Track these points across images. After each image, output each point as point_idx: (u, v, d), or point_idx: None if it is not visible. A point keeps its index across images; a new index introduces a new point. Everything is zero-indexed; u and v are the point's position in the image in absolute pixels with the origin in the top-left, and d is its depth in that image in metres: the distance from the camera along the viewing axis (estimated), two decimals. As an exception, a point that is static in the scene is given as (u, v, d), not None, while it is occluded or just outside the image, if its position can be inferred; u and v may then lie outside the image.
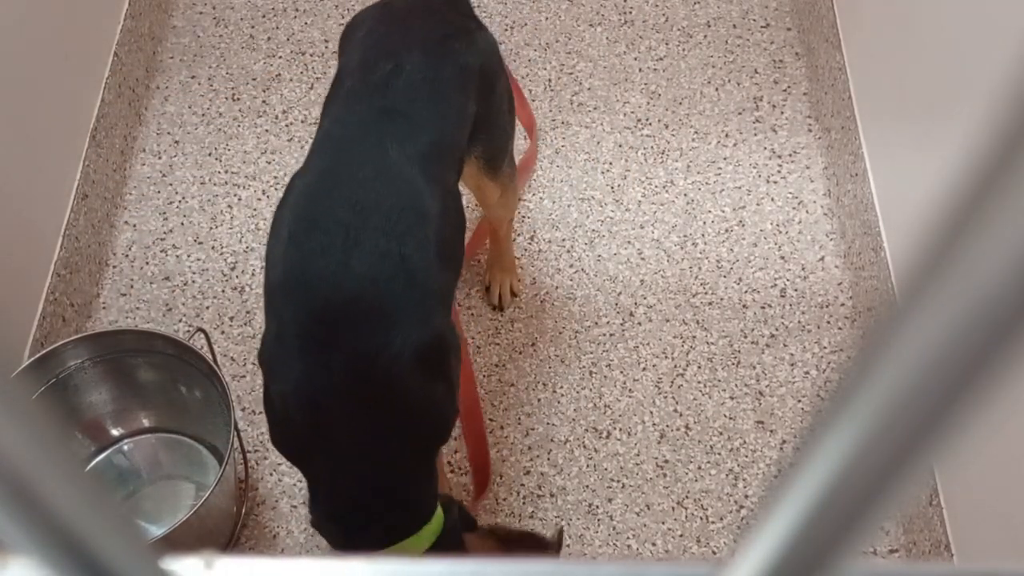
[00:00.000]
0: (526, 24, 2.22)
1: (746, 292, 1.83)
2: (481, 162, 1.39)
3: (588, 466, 1.66)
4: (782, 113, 2.07)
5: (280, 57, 2.17)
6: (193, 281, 1.86)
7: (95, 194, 1.87)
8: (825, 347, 1.78)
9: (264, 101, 2.10)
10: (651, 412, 1.71)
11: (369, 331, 1.10)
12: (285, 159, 2.02)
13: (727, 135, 2.04)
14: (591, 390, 1.73)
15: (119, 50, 2.02)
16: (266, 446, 1.68)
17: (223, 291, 1.85)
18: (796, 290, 1.84)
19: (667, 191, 1.96)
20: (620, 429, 1.69)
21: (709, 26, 2.20)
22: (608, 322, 1.80)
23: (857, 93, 1.87)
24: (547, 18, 2.23)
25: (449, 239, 1.20)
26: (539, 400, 1.73)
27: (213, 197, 1.97)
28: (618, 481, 1.65)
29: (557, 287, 1.85)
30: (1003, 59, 1.30)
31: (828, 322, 1.80)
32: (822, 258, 1.87)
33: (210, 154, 2.03)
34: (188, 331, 1.75)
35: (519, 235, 1.91)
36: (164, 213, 1.95)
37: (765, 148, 2.02)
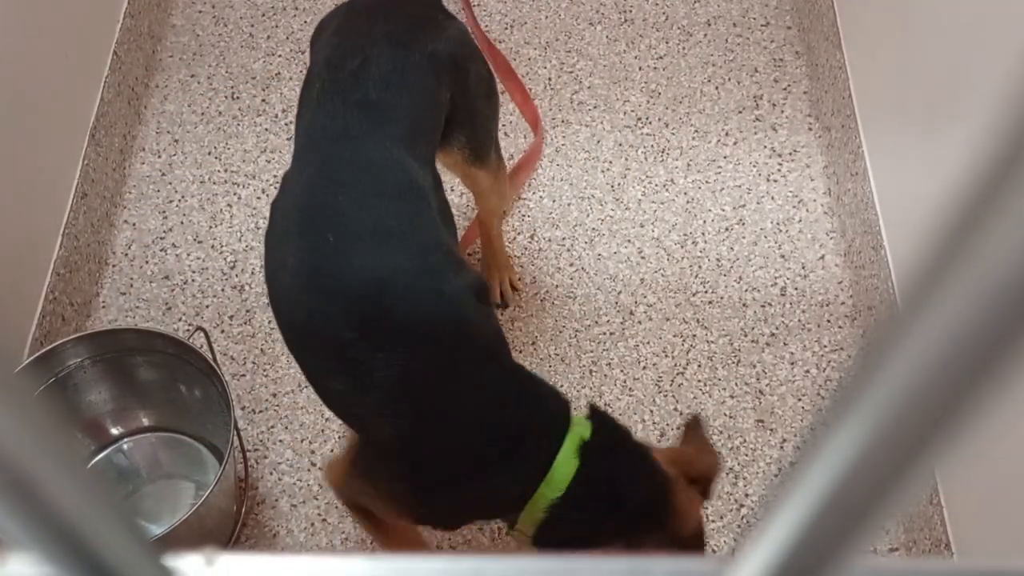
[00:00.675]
0: (526, 23, 2.22)
1: (746, 291, 1.83)
2: (466, 151, 1.40)
3: (588, 465, 1.66)
4: (782, 112, 2.07)
5: (279, 56, 2.17)
6: (193, 280, 1.86)
7: (94, 193, 1.87)
8: (825, 346, 1.78)
9: (264, 100, 2.10)
10: (651, 411, 1.71)
11: (414, 299, 1.11)
12: (285, 158, 2.02)
13: (727, 134, 2.04)
14: (591, 389, 1.73)
15: (118, 49, 2.01)
16: (266, 445, 1.68)
17: (223, 290, 1.85)
18: (796, 289, 1.84)
19: (667, 190, 1.96)
20: (620, 428, 1.69)
21: (709, 24, 2.20)
22: (608, 321, 1.80)
23: (857, 92, 1.87)
24: (547, 16, 2.22)
25: (446, 208, 1.27)
26: (539, 399, 1.73)
27: (213, 196, 1.97)
28: (618, 480, 1.65)
29: (557, 286, 1.85)
30: (1003, 57, 1.30)
31: (828, 321, 1.80)
32: (822, 257, 1.87)
33: (210, 153, 2.03)
34: (188, 330, 1.75)
35: (519, 234, 1.91)
36: (164, 212, 1.95)
37: (765, 147, 2.02)
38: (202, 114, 2.09)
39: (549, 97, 2.10)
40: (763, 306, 1.81)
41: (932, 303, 0.17)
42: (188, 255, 1.89)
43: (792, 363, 1.76)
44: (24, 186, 1.67)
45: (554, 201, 1.95)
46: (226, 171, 2.00)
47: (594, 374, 1.75)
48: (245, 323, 1.81)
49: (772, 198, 1.95)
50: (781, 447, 1.67)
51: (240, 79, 2.14)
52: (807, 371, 1.75)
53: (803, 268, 1.86)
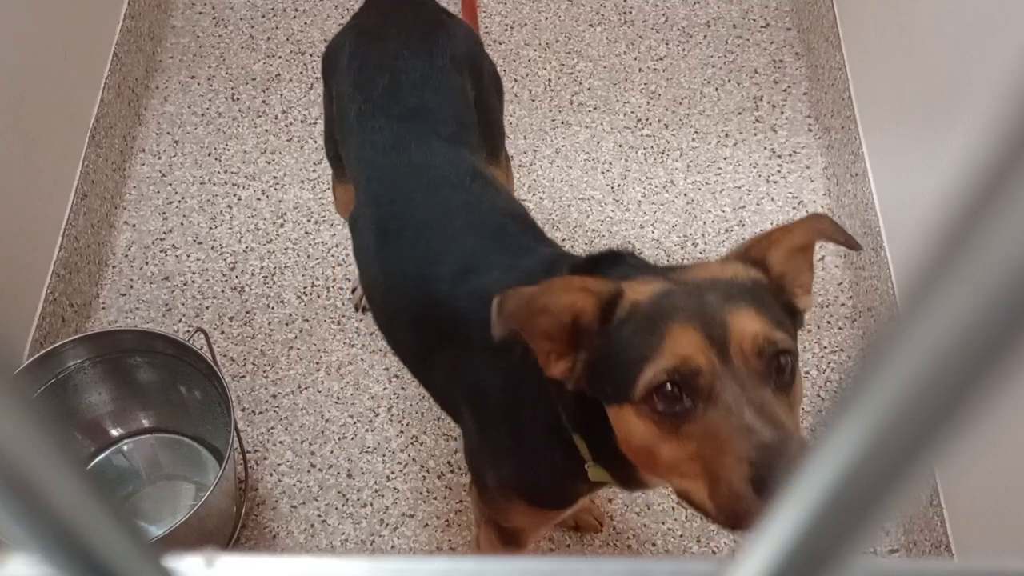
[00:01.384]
0: (526, 24, 2.22)
1: (746, 292, 1.83)
2: (483, 151, 1.41)
3: (588, 466, 1.66)
4: (782, 113, 2.07)
5: (280, 57, 2.17)
6: (193, 281, 1.86)
7: (94, 194, 1.87)
8: (825, 347, 1.78)
9: (264, 101, 2.10)
10: (651, 412, 1.71)
11: (510, 261, 1.14)
12: (285, 159, 2.02)
13: (727, 135, 2.04)
14: (591, 390, 1.73)
15: (118, 50, 2.02)
16: (266, 446, 1.68)
17: (223, 291, 1.85)
18: (796, 290, 1.84)
19: (667, 191, 1.96)
20: (620, 429, 1.69)
21: (709, 26, 2.20)
22: (608, 322, 1.80)
23: (857, 93, 1.87)
24: (547, 18, 2.23)
25: (508, 190, 1.31)
26: (539, 400, 1.72)
27: (212, 197, 1.97)
28: (618, 481, 1.65)
29: (557, 287, 1.84)
30: (1003, 58, 1.30)
31: (828, 322, 1.80)
32: (822, 258, 1.87)
33: (210, 154, 2.03)
34: (188, 331, 1.75)
35: (519, 235, 1.91)
36: (163, 213, 1.95)
37: (765, 148, 2.02)
38: (202, 115, 2.09)
39: (549, 98, 2.10)
40: (763, 307, 1.81)
41: (932, 303, 0.17)
42: (188, 256, 1.89)
43: (792, 364, 1.75)
44: (24, 187, 1.67)
45: (554, 202, 1.95)
46: (226, 172, 2.00)
47: (594, 375, 1.74)
48: (245, 324, 1.81)
49: (772, 199, 1.95)
50: (781, 448, 1.67)
51: (240, 80, 2.14)
52: (807, 372, 1.75)
53: (803, 269, 1.86)
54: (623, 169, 1.99)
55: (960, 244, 0.17)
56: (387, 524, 1.61)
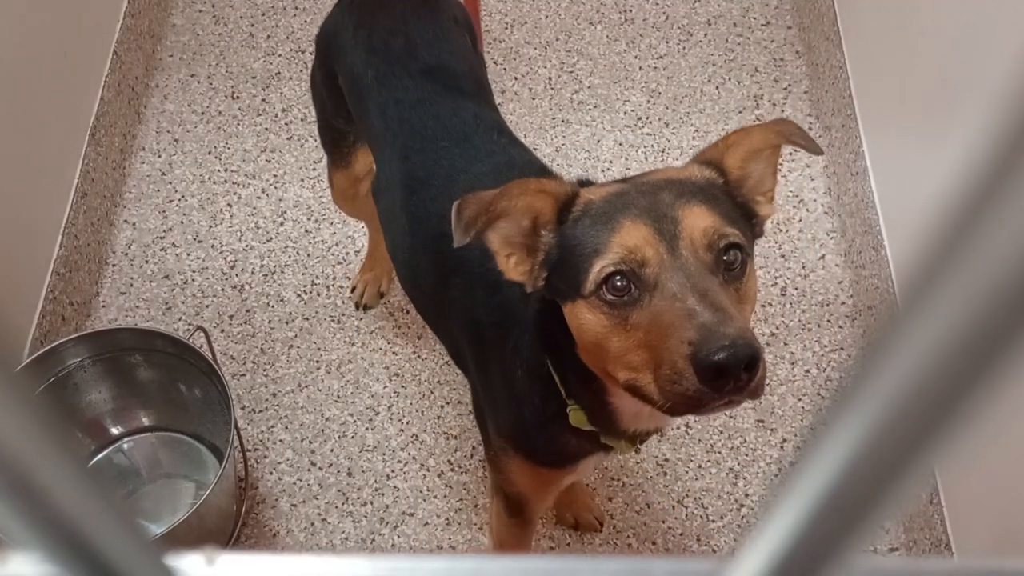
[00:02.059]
0: (526, 22, 2.22)
1: (746, 290, 1.83)
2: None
3: (588, 464, 1.66)
4: (782, 111, 2.07)
5: (280, 55, 2.17)
6: (192, 280, 1.86)
7: (94, 192, 1.87)
8: (826, 345, 1.78)
9: (264, 99, 2.10)
10: (651, 410, 1.71)
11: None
12: (284, 157, 2.02)
13: (728, 133, 2.04)
14: (591, 388, 1.73)
15: (118, 48, 2.01)
16: (266, 445, 1.68)
17: (222, 289, 1.85)
18: (797, 288, 1.84)
19: (667, 189, 1.96)
20: (620, 427, 1.69)
21: (709, 24, 2.20)
22: (608, 320, 1.80)
23: (857, 91, 1.87)
24: (547, 16, 2.22)
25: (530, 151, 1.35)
26: (539, 398, 1.72)
27: (212, 195, 1.97)
28: (618, 480, 1.65)
29: (557, 285, 1.85)
30: (1003, 56, 1.30)
31: (829, 320, 1.80)
32: (823, 256, 1.87)
33: (209, 152, 2.03)
34: (188, 330, 1.75)
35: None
36: (163, 211, 1.95)
37: (765, 146, 2.02)
38: (202, 113, 2.09)
39: (549, 97, 2.10)
40: (763, 306, 1.81)
41: (931, 301, 0.17)
42: (188, 255, 1.89)
43: (792, 363, 1.75)
44: (24, 185, 1.67)
45: (554, 201, 1.95)
46: (226, 171, 2.00)
47: (594, 374, 1.74)
48: (245, 323, 1.81)
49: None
50: (781, 447, 1.67)
51: (240, 78, 2.14)
52: (807, 371, 1.75)
53: (803, 268, 1.86)
54: (623, 168, 1.99)
55: (960, 241, 0.17)
56: (387, 522, 1.61)
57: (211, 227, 1.93)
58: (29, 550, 0.22)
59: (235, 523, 1.58)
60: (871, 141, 1.79)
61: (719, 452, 1.67)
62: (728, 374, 0.76)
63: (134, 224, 1.94)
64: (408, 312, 1.82)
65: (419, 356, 1.77)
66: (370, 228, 1.76)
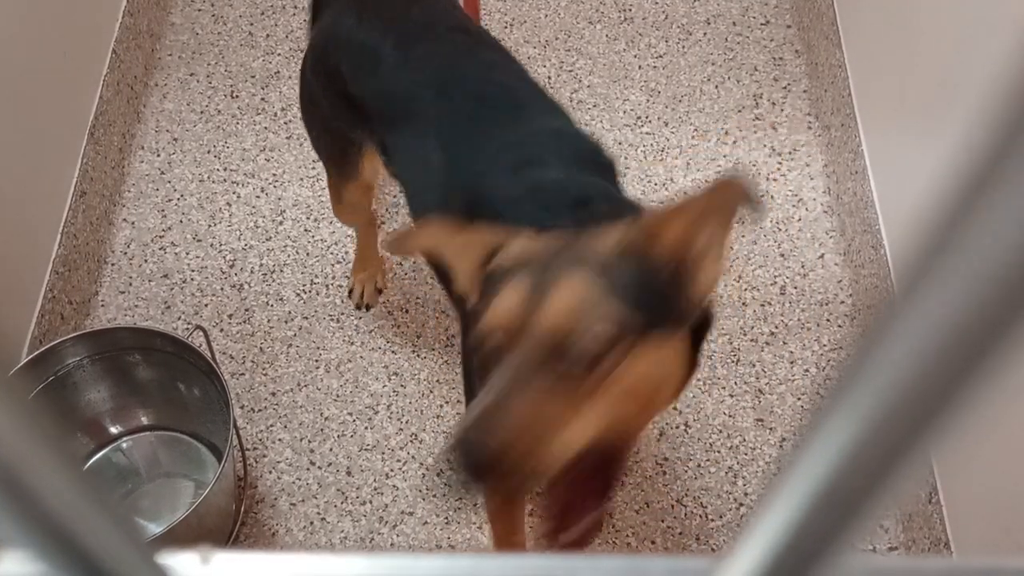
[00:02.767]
0: (525, 21, 2.21)
1: (746, 290, 1.83)
2: None
3: (587, 464, 1.66)
4: (782, 111, 2.07)
5: (279, 54, 2.17)
6: (192, 279, 1.86)
7: (93, 191, 1.87)
8: (825, 345, 1.78)
9: (263, 98, 2.10)
10: (650, 410, 1.71)
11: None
12: (284, 156, 2.02)
13: (727, 133, 2.04)
14: (590, 388, 1.73)
15: (117, 47, 2.01)
16: (265, 444, 1.68)
17: (222, 289, 1.85)
18: (796, 288, 1.84)
19: (667, 189, 1.96)
20: (619, 427, 1.69)
21: (709, 23, 2.20)
22: (607, 320, 1.80)
23: (857, 90, 1.87)
24: (546, 15, 2.22)
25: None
26: (538, 398, 1.72)
27: (212, 195, 1.97)
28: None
29: (556, 285, 1.84)
30: (1003, 56, 1.30)
31: (828, 320, 1.80)
32: (822, 256, 1.87)
33: (209, 151, 2.03)
34: (187, 329, 1.75)
35: (518, 233, 1.91)
36: (163, 211, 1.95)
37: (765, 146, 2.02)
38: (201, 112, 2.08)
39: (548, 96, 2.09)
40: (762, 305, 1.81)
41: (925, 296, 0.17)
42: (187, 254, 1.89)
43: (792, 362, 1.75)
44: (23, 184, 1.67)
45: (553, 200, 1.95)
46: (225, 170, 2.00)
47: (593, 373, 1.74)
48: (244, 322, 1.81)
49: (772, 197, 1.95)
50: (780, 446, 1.67)
51: (239, 77, 2.13)
52: (807, 370, 1.75)
53: (803, 267, 1.86)
54: (623, 167, 1.99)
55: (954, 236, 0.16)
56: (386, 522, 1.61)
57: (210, 226, 1.93)
58: (22, 549, 0.21)
59: (234, 522, 1.58)
60: (870, 140, 1.79)
61: (718, 451, 1.67)
62: (464, 467, 0.74)
63: (133, 223, 1.94)
64: (407, 312, 1.82)
65: (418, 355, 1.77)
66: (360, 230, 1.76)
